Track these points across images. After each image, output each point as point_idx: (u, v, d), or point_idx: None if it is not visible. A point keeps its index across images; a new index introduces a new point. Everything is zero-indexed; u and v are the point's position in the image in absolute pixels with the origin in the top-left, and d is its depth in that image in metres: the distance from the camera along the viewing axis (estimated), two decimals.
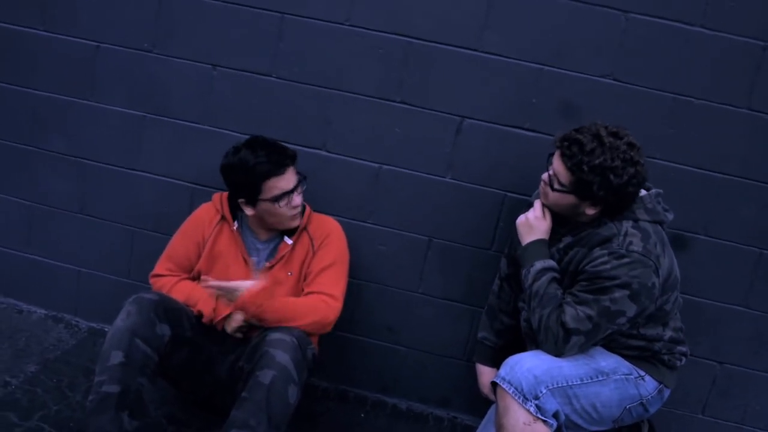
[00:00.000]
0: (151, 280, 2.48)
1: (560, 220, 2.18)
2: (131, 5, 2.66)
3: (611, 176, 1.95)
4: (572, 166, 2.00)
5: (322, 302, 2.34)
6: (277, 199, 2.30)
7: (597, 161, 1.96)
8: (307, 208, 2.48)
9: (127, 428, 2.07)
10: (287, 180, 2.31)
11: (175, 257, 2.47)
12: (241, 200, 2.35)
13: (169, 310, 2.22)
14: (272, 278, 2.34)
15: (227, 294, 2.18)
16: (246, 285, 2.18)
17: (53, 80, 2.79)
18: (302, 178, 2.39)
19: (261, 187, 2.29)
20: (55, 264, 2.99)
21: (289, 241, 2.42)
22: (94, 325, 3.01)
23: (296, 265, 2.42)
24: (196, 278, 2.46)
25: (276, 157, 2.29)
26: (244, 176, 2.29)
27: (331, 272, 2.41)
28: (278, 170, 2.29)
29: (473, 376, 2.55)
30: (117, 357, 2.07)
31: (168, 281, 2.44)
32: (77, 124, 2.81)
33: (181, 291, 2.39)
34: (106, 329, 2.92)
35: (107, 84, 2.75)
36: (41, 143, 2.86)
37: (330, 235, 2.47)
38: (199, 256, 2.45)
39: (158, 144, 2.78)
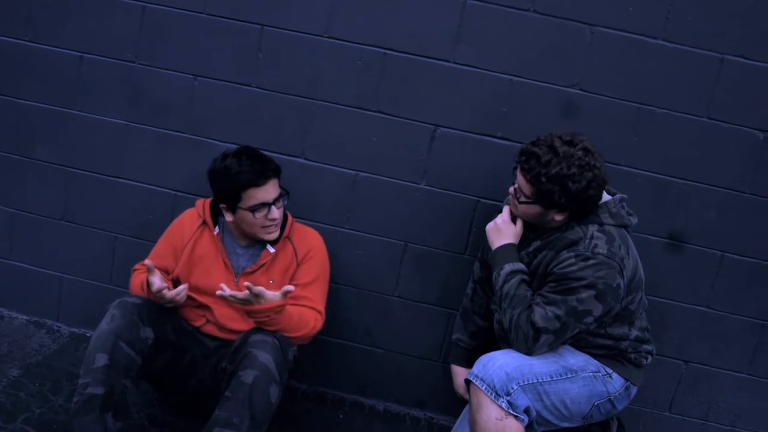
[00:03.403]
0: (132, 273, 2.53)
1: (530, 225, 2.26)
2: (115, 17, 2.71)
3: (569, 183, 2.03)
4: (532, 178, 2.08)
5: (312, 317, 2.39)
6: (254, 209, 2.34)
7: (554, 171, 2.03)
8: (289, 218, 2.53)
9: (111, 429, 2.11)
10: (267, 191, 2.35)
11: (154, 256, 2.51)
12: (222, 206, 2.40)
13: (152, 313, 2.26)
14: (276, 288, 2.34)
15: (250, 298, 2.19)
16: (269, 296, 2.19)
17: (38, 90, 2.82)
18: (284, 193, 2.42)
19: (241, 196, 2.33)
20: (37, 270, 3.02)
21: (272, 250, 2.46)
22: (75, 330, 3.03)
23: (278, 273, 2.46)
24: (175, 281, 2.48)
25: (259, 167, 2.33)
26: (226, 183, 2.34)
27: (316, 287, 2.47)
28: (259, 181, 2.32)
29: (449, 378, 2.61)
30: (101, 359, 2.11)
31: (136, 274, 2.49)
32: (62, 133, 2.85)
33: (136, 282, 2.43)
34: (87, 334, 2.97)
35: (91, 93, 2.80)
36: (26, 152, 2.89)
37: (314, 249, 2.52)
38: (174, 259, 2.49)
39: (141, 152, 2.82)
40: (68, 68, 2.78)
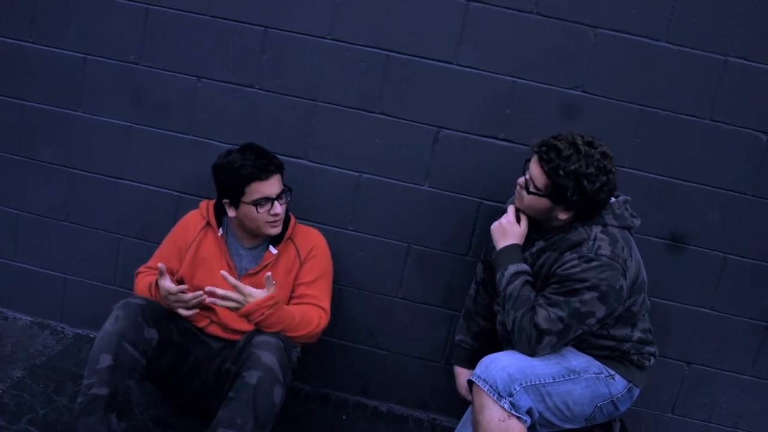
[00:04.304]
0: (136, 276, 2.54)
1: (533, 225, 2.26)
2: (118, 18, 2.72)
3: (585, 182, 2.04)
4: (549, 170, 2.08)
5: (316, 314, 2.40)
6: (257, 203, 2.34)
7: (572, 167, 2.04)
8: (292, 218, 2.53)
9: (115, 429, 2.12)
10: (270, 186, 2.36)
11: (158, 258, 2.52)
12: (225, 201, 2.40)
13: (156, 314, 2.26)
14: (279, 289, 2.37)
15: (238, 298, 2.21)
16: (257, 293, 2.22)
17: (42, 91, 2.83)
18: (287, 190, 2.43)
19: (244, 190, 2.33)
20: (42, 271, 3.02)
21: (274, 251, 2.46)
22: (79, 331, 3.03)
23: (281, 273, 2.46)
24: (180, 282, 2.49)
25: (262, 162, 2.34)
26: (230, 177, 2.34)
27: (320, 285, 2.48)
28: (262, 175, 2.33)
29: (452, 379, 2.61)
30: (106, 360, 2.11)
31: (141, 277, 2.51)
32: (65, 134, 2.85)
33: (142, 284, 2.47)
34: (91, 335, 2.98)
35: (94, 94, 2.80)
36: (29, 152, 2.90)
37: (317, 247, 2.52)
38: (179, 260, 2.50)
39: (144, 153, 2.83)
40: (71, 69, 2.79)
